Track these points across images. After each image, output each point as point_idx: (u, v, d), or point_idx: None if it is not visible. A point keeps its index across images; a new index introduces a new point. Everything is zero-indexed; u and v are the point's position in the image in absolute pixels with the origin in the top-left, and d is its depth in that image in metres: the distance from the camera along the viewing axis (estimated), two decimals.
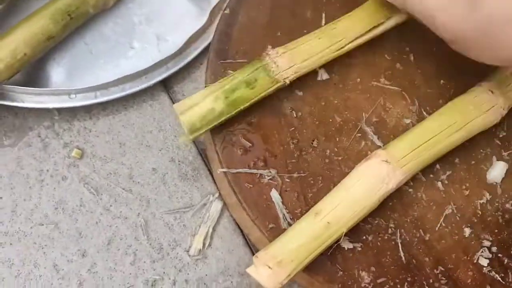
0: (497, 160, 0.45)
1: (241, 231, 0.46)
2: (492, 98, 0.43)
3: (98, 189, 0.45)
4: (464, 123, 0.41)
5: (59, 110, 0.47)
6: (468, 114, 0.42)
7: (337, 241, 0.38)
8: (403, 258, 0.40)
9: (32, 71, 0.48)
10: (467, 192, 0.43)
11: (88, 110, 0.48)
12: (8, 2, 0.48)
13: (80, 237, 0.44)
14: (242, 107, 0.41)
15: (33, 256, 0.43)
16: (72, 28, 0.46)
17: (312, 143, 0.43)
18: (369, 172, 0.39)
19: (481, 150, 0.45)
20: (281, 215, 0.40)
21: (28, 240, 0.43)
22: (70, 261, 0.43)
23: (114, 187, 0.46)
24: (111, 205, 0.45)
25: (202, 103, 0.39)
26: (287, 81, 0.41)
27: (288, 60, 0.41)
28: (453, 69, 0.47)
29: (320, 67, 0.45)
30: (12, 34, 0.42)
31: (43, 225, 0.44)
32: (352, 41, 0.43)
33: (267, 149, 0.42)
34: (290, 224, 0.40)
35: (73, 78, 0.48)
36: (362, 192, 0.38)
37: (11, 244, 0.43)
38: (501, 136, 0.45)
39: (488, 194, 0.43)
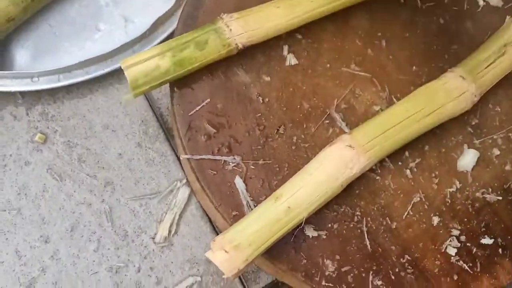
0: (468, 148, 0.44)
1: (209, 217, 0.45)
2: (463, 85, 0.42)
3: (61, 175, 0.44)
4: (432, 109, 0.41)
5: (23, 94, 0.46)
6: (436, 100, 0.41)
7: (298, 226, 0.37)
8: (369, 247, 0.40)
9: None
10: (436, 180, 0.43)
11: (52, 93, 0.47)
12: None
13: (43, 223, 0.43)
14: (189, 67, 0.40)
15: None
16: (34, 10, 0.45)
17: (278, 130, 0.42)
18: (333, 156, 0.38)
19: (452, 138, 0.44)
20: (245, 202, 0.40)
21: None
22: (33, 248, 0.42)
23: (78, 172, 0.45)
24: (75, 191, 0.44)
25: (149, 60, 0.38)
26: (240, 46, 0.41)
27: (242, 26, 0.41)
28: (427, 55, 0.46)
29: (289, 52, 0.44)
30: None
31: (5, 210, 0.43)
32: (311, 11, 0.42)
33: (232, 135, 0.41)
34: None
35: (38, 60, 0.47)
36: (325, 176, 0.38)
37: None
38: (473, 123, 0.45)
39: (458, 182, 0.43)
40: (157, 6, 0.49)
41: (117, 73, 0.48)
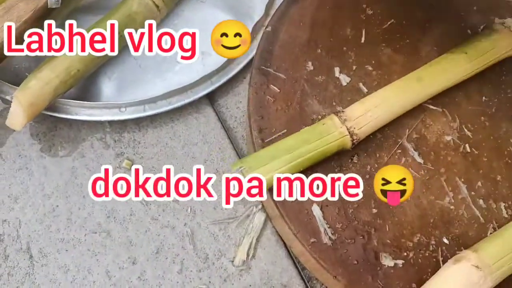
0: None
1: (284, 242, 0.47)
2: None
3: (147, 199, 0.48)
4: None
5: (111, 123, 0.50)
6: None
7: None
8: None
9: (85, 86, 0.50)
10: (510, 211, 0.43)
11: (137, 122, 0.50)
12: None
13: (131, 245, 0.46)
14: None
15: (87, 262, 0.46)
16: (123, 44, 0.48)
17: (352, 159, 0.44)
18: (459, 277, 0.38)
19: None
20: (322, 230, 0.42)
21: (83, 247, 0.46)
22: (122, 268, 0.46)
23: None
24: (159, 215, 0.47)
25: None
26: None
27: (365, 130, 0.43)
28: (495, 85, 0.47)
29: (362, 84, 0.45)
30: None
31: (96, 233, 0.46)
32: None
33: None
34: (331, 239, 0.41)
35: (123, 92, 0.50)
36: None
37: (66, 250, 0.46)
38: None
39: None
40: None
41: (196, 103, 0.51)
